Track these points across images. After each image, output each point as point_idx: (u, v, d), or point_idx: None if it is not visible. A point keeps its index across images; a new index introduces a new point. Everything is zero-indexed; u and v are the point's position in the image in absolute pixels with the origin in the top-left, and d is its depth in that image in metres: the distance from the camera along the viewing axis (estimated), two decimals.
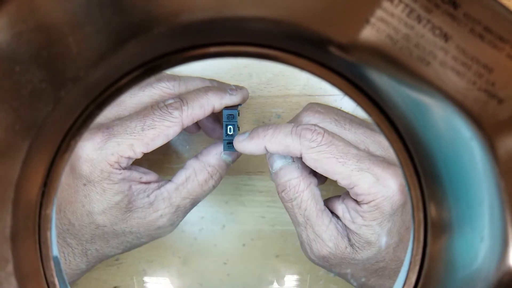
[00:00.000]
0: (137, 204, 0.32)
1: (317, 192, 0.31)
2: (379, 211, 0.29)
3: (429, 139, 0.24)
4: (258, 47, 0.25)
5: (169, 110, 0.31)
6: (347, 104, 0.37)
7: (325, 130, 0.30)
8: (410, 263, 0.25)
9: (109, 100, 0.25)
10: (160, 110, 0.31)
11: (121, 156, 0.30)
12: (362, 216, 0.30)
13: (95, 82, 0.24)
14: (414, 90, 0.22)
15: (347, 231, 0.31)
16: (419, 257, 0.24)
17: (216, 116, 0.36)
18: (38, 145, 0.23)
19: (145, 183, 0.32)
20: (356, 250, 0.31)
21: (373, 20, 0.21)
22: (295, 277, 0.38)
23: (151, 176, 0.32)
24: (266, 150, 0.30)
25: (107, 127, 0.30)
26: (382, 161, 0.29)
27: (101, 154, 0.30)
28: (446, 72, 0.22)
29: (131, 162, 0.31)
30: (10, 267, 0.22)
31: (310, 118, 0.31)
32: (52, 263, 0.24)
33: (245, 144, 0.31)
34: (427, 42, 0.21)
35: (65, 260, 0.32)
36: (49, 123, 0.23)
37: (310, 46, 0.24)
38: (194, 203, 0.33)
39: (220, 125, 0.35)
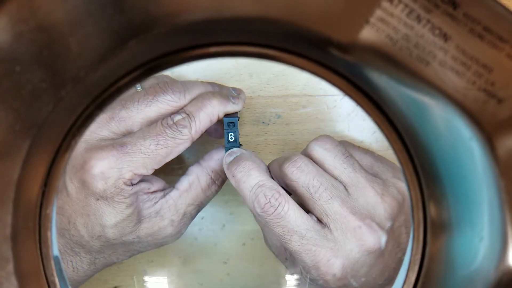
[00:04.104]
0: (144, 213, 0.32)
1: None
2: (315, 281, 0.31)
3: (429, 139, 0.24)
4: (258, 47, 0.25)
5: (179, 129, 0.31)
6: (347, 104, 0.37)
7: (280, 203, 0.30)
8: (410, 262, 0.25)
9: (110, 100, 0.25)
10: (171, 128, 0.31)
11: (135, 174, 0.30)
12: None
13: (95, 82, 0.24)
14: (413, 90, 0.22)
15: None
16: (418, 256, 0.24)
17: None
18: (38, 145, 0.23)
19: (154, 192, 0.32)
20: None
21: (372, 20, 0.21)
22: (295, 276, 0.38)
23: (159, 184, 0.33)
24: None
25: (120, 144, 0.30)
26: (332, 248, 0.29)
27: (116, 172, 0.30)
28: (446, 72, 0.22)
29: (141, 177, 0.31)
30: (10, 267, 0.22)
31: (293, 170, 0.31)
32: (52, 262, 0.24)
33: (224, 166, 0.32)
34: (426, 42, 0.21)
35: (73, 268, 0.32)
36: (49, 123, 0.23)
37: (310, 46, 0.24)
38: (199, 209, 0.33)
39: (221, 125, 0.36)
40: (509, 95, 0.21)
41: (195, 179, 0.33)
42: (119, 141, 0.30)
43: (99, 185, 0.30)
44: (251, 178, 0.30)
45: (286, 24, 0.23)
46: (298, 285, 0.35)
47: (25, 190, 0.23)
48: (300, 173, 0.31)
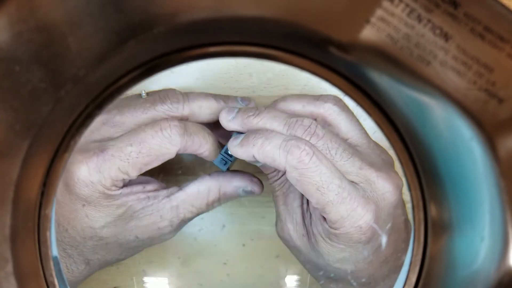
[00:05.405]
0: (145, 211, 0.31)
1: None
2: (342, 239, 0.30)
3: (430, 139, 0.24)
4: (258, 47, 0.25)
5: (172, 135, 0.30)
6: (348, 103, 0.36)
7: (315, 152, 0.29)
8: (411, 263, 0.25)
9: (109, 100, 0.25)
10: (162, 133, 0.30)
11: (115, 180, 0.30)
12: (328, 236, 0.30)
13: (95, 82, 0.24)
14: (414, 90, 0.22)
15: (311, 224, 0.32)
16: (419, 257, 0.24)
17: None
18: (38, 145, 0.23)
19: (153, 191, 0.32)
20: (313, 244, 0.31)
21: (373, 19, 0.21)
22: (295, 277, 0.38)
23: (154, 184, 0.32)
24: (255, 158, 0.30)
25: (101, 149, 0.29)
26: (363, 195, 0.29)
27: (96, 177, 0.29)
28: (447, 71, 0.22)
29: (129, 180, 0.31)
30: (9, 267, 0.22)
31: (308, 136, 0.30)
32: (51, 263, 0.24)
33: (237, 150, 0.31)
34: (427, 41, 0.21)
35: (68, 269, 0.32)
36: (49, 123, 0.23)
37: (310, 46, 0.24)
38: (197, 215, 0.33)
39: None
40: (510, 95, 0.21)
41: (204, 191, 0.32)
42: (102, 146, 0.30)
43: (82, 191, 0.29)
44: (275, 138, 0.29)
45: (286, 24, 0.23)
46: (298, 285, 0.35)
47: (25, 190, 0.23)
48: (316, 139, 0.29)
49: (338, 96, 0.31)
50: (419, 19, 0.21)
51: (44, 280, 0.24)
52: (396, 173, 0.30)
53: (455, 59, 0.21)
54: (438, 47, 0.21)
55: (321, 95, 0.31)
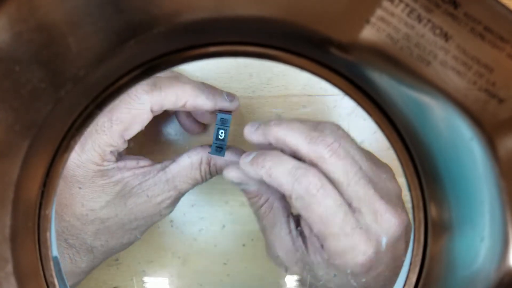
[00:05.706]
0: (142, 187, 0.31)
1: (277, 205, 0.32)
2: (337, 269, 0.30)
3: (430, 139, 0.24)
4: (258, 47, 0.25)
5: (137, 95, 0.29)
6: (348, 103, 0.37)
7: (323, 184, 0.28)
8: (411, 263, 0.25)
9: (109, 100, 0.25)
10: (128, 95, 0.29)
11: (103, 154, 0.30)
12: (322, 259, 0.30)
13: (95, 82, 0.24)
14: (414, 90, 0.22)
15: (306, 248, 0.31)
16: (419, 257, 0.24)
17: (193, 118, 0.35)
18: (38, 145, 0.23)
19: (147, 166, 0.32)
20: (308, 269, 0.31)
21: (373, 19, 0.21)
22: (295, 277, 0.38)
23: (147, 160, 0.32)
24: (263, 179, 0.30)
25: None
26: (366, 231, 0.29)
27: (84, 156, 0.29)
28: (447, 72, 0.21)
29: (119, 151, 0.30)
30: (9, 267, 0.22)
31: (332, 160, 0.29)
32: (51, 263, 0.24)
33: (246, 167, 0.31)
34: (427, 41, 0.21)
35: (71, 260, 0.32)
36: (49, 123, 0.23)
37: (310, 46, 0.24)
38: (193, 187, 0.33)
39: (198, 124, 0.35)
40: (510, 95, 0.21)
41: (197, 160, 0.32)
42: None
43: (76, 172, 0.29)
44: (285, 163, 0.29)
45: (286, 24, 0.23)
46: (298, 286, 0.35)
47: (24, 191, 0.23)
48: (337, 158, 0.29)
49: (336, 124, 0.31)
50: (419, 19, 0.21)
51: (44, 280, 0.24)
52: (403, 208, 0.30)
53: (455, 59, 0.21)
54: (438, 47, 0.21)
55: (314, 136, 0.30)
